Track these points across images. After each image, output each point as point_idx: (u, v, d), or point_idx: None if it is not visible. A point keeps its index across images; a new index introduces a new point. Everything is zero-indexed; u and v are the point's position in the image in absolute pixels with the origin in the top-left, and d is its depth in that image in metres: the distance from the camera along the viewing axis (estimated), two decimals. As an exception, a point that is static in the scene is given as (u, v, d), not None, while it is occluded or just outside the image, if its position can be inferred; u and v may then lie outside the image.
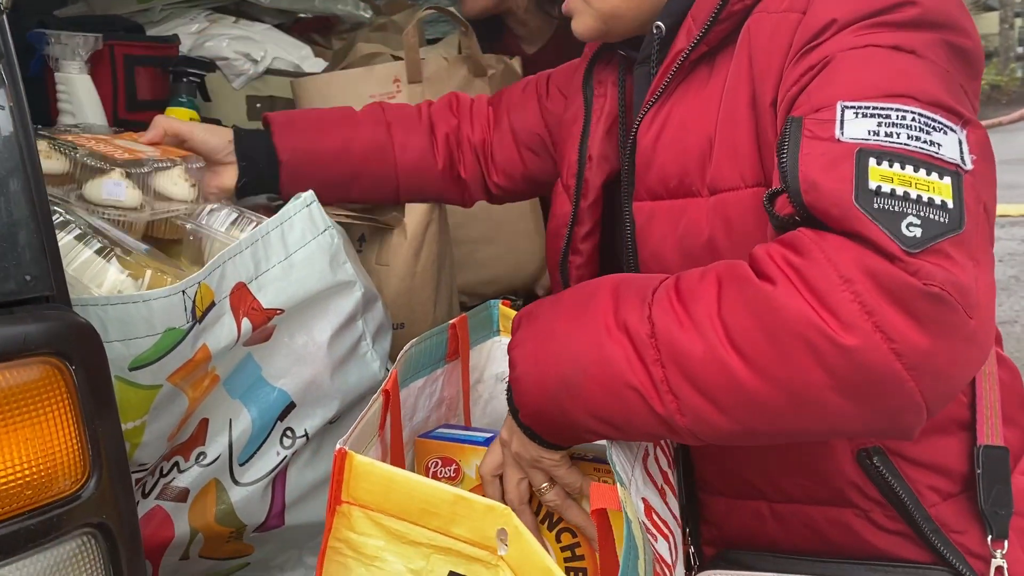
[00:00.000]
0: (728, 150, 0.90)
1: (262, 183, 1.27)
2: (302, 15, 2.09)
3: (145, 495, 1.08)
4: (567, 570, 0.92)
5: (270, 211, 1.21)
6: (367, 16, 2.16)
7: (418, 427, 1.06)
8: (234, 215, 1.19)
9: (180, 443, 1.08)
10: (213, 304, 1.02)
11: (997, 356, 0.97)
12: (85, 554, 0.72)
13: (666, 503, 0.89)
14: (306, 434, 1.17)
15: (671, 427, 0.76)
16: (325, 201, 1.30)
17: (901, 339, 0.67)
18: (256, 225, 1.16)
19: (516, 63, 1.83)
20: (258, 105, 1.85)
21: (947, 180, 0.72)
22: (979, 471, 0.91)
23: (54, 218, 0.87)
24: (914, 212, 0.70)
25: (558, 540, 0.93)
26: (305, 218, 1.14)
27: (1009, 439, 0.94)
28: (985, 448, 0.92)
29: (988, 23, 14.57)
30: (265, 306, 1.08)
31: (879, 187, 0.71)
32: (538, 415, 0.84)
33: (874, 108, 0.75)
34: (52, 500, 0.69)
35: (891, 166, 0.72)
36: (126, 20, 1.69)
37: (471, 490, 0.89)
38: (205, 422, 1.10)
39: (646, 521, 0.81)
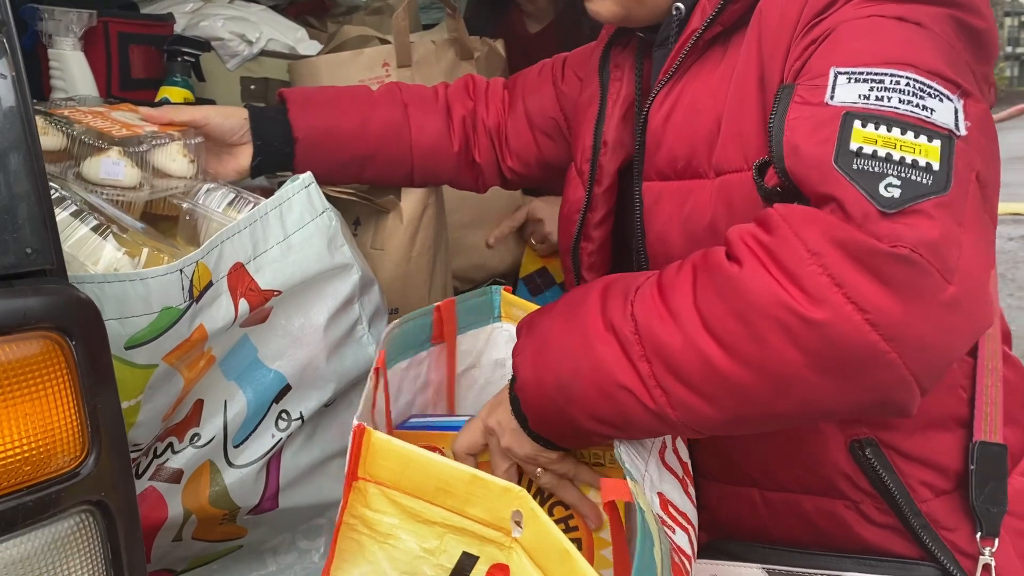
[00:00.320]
0: (734, 131, 0.89)
1: (277, 161, 1.25)
2: (296, -3, 2.07)
3: (139, 476, 1.07)
4: None
5: (267, 192, 1.20)
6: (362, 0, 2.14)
7: (403, 410, 1.06)
8: (231, 196, 1.17)
9: (174, 424, 1.07)
10: (211, 284, 1.01)
11: (1004, 355, 0.96)
12: (83, 532, 0.71)
13: (687, 494, 0.88)
14: (301, 417, 1.16)
15: (666, 422, 0.77)
16: (339, 181, 1.30)
17: (873, 308, 0.66)
18: (253, 206, 1.15)
19: (499, 45, 1.81)
20: (252, 87, 1.83)
21: (936, 143, 0.71)
22: (973, 467, 0.90)
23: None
24: (895, 173, 0.69)
25: (550, 514, 0.93)
26: (304, 199, 1.13)
27: (1009, 438, 0.92)
28: (981, 444, 0.91)
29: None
30: (262, 287, 1.07)
31: (860, 148, 0.71)
32: (544, 422, 0.85)
33: (868, 73, 0.75)
34: (50, 477, 0.68)
35: (876, 128, 0.72)
36: (121, -3, 1.67)
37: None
38: (200, 403, 1.09)
39: (662, 514, 0.81)
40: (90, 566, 0.72)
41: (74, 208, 0.97)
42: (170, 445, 1.08)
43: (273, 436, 1.14)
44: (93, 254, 0.96)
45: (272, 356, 1.13)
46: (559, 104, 1.27)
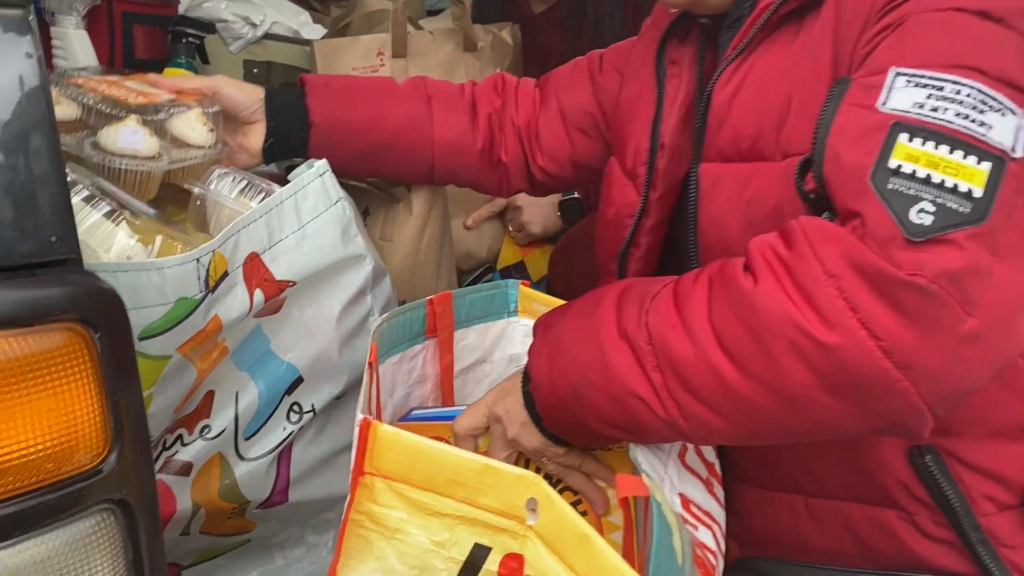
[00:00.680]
0: (805, 111, 0.83)
1: (290, 146, 1.19)
2: (301, -21, 2.03)
3: (147, 468, 1.04)
4: None
5: (277, 179, 1.17)
6: (367, -17, 2.10)
7: (400, 404, 1.03)
8: (243, 182, 1.14)
9: (185, 415, 1.05)
10: (226, 274, 0.98)
11: None
12: (103, 531, 0.69)
13: (713, 494, 0.87)
14: (313, 409, 1.13)
15: (679, 432, 0.76)
16: (356, 174, 1.26)
17: (887, 336, 0.64)
18: (265, 194, 1.12)
19: (507, 34, 1.78)
20: (255, 70, 1.80)
21: (985, 165, 0.68)
22: None
23: (65, 178, 0.83)
24: (930, 197, 0.67)
25: None
26: (318, 188, 1.11)
27: None
28: None
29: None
30: (278, 277, 1.05)
31: (899, 166, 0.68)
32: (559, 423, 0.84)
33: (929, 78, 0.71)
34: (73, 474, 0.66)
35: (923, 144, 0.68)
36: (123, -24, 1.63)
37: None
38: (211, 394, 1.06)
39: (683, 513, 0.79)
40: (111, 566, 0.69)
41: (86, 193, 0.94)
42: (179, 437, 1.05)
43: (284, 429, 1.11)
44: (105, 241, 0.93)
45: (285, 347, 1.11)
46: (596, 99, 1.21)
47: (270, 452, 1.10)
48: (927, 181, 0.67)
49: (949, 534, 0.86)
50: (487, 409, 0.89)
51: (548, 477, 0.91)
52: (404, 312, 0.99)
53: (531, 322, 1.13)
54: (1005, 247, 0.67)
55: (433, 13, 1.96)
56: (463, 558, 0.72)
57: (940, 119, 0.69)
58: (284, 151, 1.20)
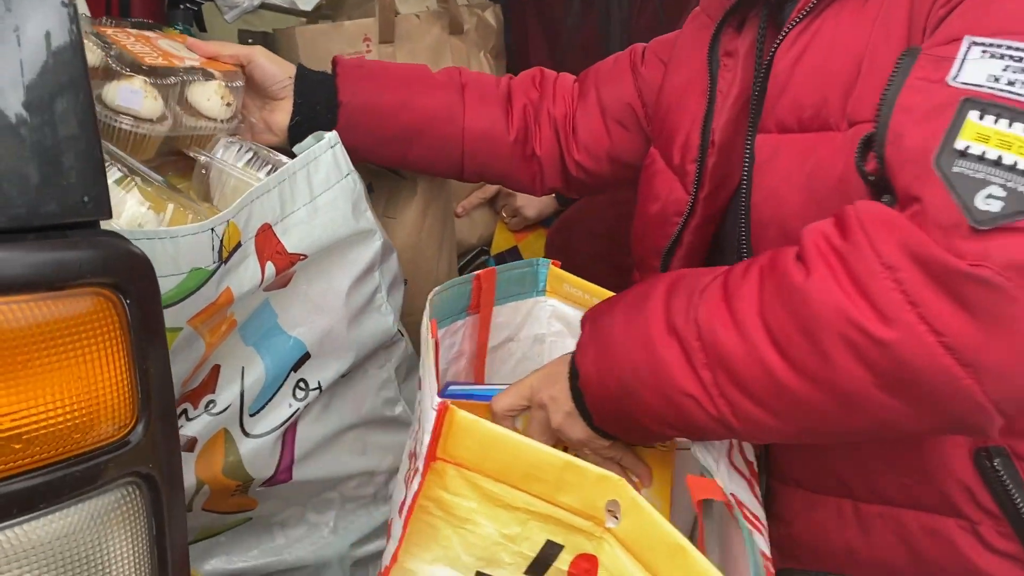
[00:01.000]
0: (876, 74, 0.77)
1: (317, 126, 1.14)
2: (297, -50, 1.98)
3: (150, 443, 1.01)
4: None
5: (282, 151, 1.14)
6: (364, -44, 2.06)
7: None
8: (249, 153, 1.11)
9: (190, 390, 1.02)
10: (239, 245, 0.96)
11: None
12: (127, 506, 0.66)
13: (755, 495, 0.85)
14: (319, 386, 1.11)
15: (731, 430, 0.73)
16: (382, 160, 1.23)
17: (950, 331, 0.61)
18: (272, 166, 1.09)
19: (490, 15, 1.75)
20: (250, 40, 1.74)
21: None
22: None
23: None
24: (1000, 181, 0.62)
25: None
26: (330, 160, 1.08)
27: None
28: None
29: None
30: (289, 250, 1.02)
31: (967, 147, 0.63)
32: (608, 420, 0.82)
33: (1008, 47, 0.65)
34: (99, 445, 0.63)
35: (996, 122, 0.63)
36: (119, -62, 1.58)
37: None
38: (217, 369, 1.04)
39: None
40: (133, 542, 0.67)
41: (96, 157, 0.90)
42: (184, 412, 1.02)
43: (290, 406, 1.09)
44: (115, 207, 0.89)
45: (292, 322, 1.08)
46: (638, 91, 1.16)
47: (276, 429, 1.07)
48: (997, 163, 0.62)
49: (1016, 547, 0.80)
50: (530, 392, 0.87)
51: None
52: (453, 286, 0.97)
53: (558, 303, 1.11)
54: None
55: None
56: (533, 554, 0.70)
57: (1016, 94, 0.64)
58: (310, 131, 1.14)
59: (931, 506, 0.82)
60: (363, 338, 1.15)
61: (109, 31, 1.02)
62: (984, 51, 0.67)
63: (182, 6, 1.48)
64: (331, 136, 1.09)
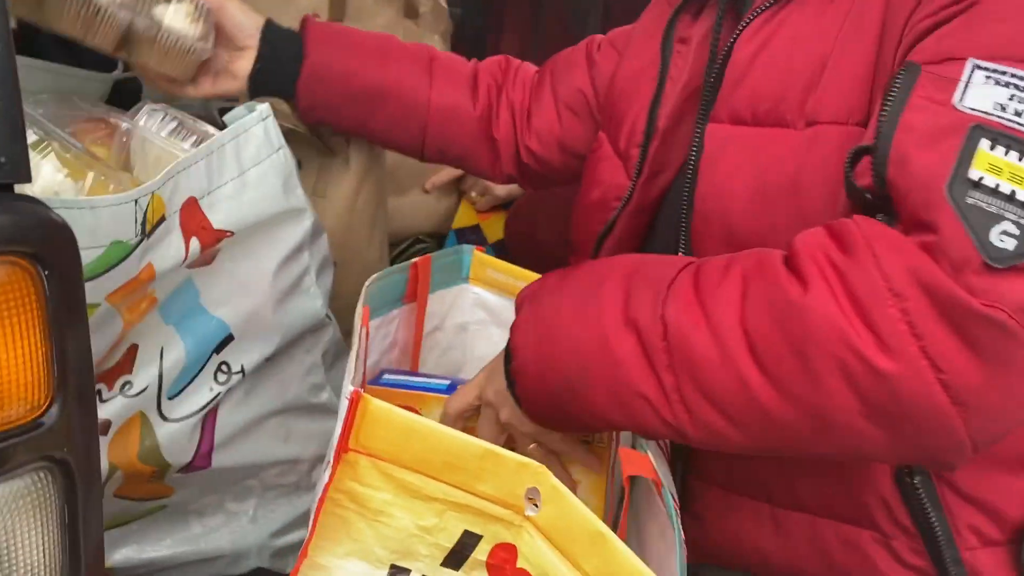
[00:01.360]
0: (842, 75, 0.76)
1: (278, 79, 1.12)
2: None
3: (59, 426, 0.95)
4: None
5: (210, 122, 1.09)
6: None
7: (370, 370, 0.99)
8: (174, 123, 1.06)
9: (105, 370, 0.96)
10: (163, 219, 0.91)
11: None
12: (38, 492, 0.61)
13: (672, 481, 0.84)
14: (242, 370, 1.07)
15: (682, 436, 0.70)
16: (341, 123, 1.18)
17: (951, 369, 0.59)
18: (198, 137, 1.05)
19: None
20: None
21: None
22: None
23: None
24: (1014, 217, 0.60)
25: None
26: (260, 133, 1.04)
27: None
28: None
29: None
30: (215, 226, 0.97)
31: (981, 178, 0.60)
32: (541, 412, 0.78)
33: (1012, 75, 0.63)
34: (9, 427, 0.58)
35: (1007, 153, 0.61)
36: None
37: None
38: (134, 348, 0.98)
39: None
40: (43, 531, 0.62)
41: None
42: (98, 393, 0.97)
43: (211, 389, 1.04)
44: (29, 173, 0.84)
45: (216, 302, 1.04)
46: (591, 79, 1.15)
47: (195, 414, 1.03)
48: (1011, 198, 0.60)
49: (926, 564, 0.79)
50: (478, 391, 0.84)
51: None
52: (391, 274, 0.93)
53: (481, 290, 1.09)
54: None
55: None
56: (450, 545, 0.67)
57: None
58: (271, 82, 1.12)
59: (848, 517, 0.81)
60: (290, 321, 1.11)
61: None
62: (988, 76, 0.64)
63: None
64: (263, 108, 1.04)
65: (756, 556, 0.86)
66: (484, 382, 0.84)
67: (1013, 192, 0.60)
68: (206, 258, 1.00)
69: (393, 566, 0.70)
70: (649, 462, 0.69)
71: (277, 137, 1.05)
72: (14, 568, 0.61)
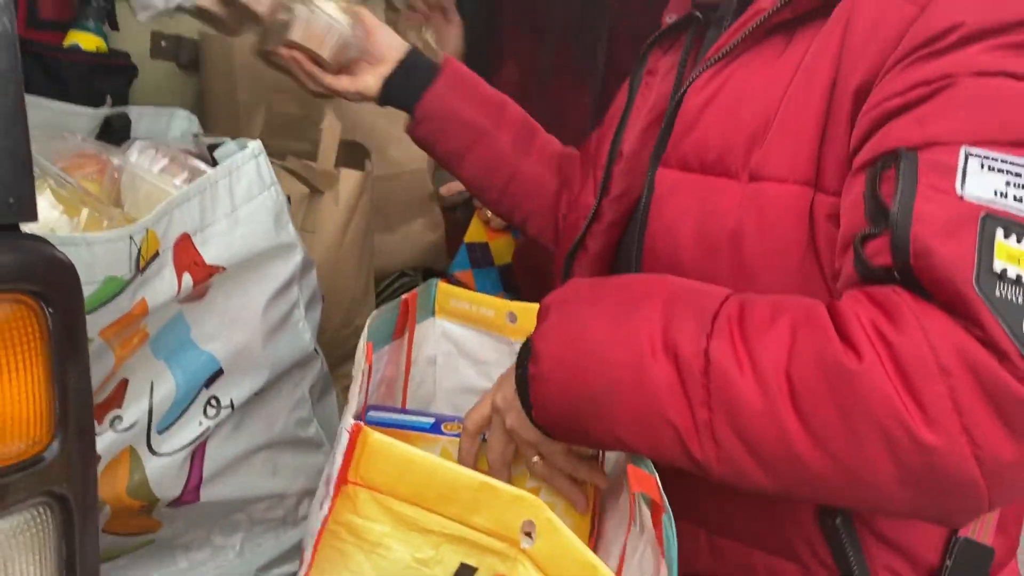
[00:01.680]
0: (787, 135, 0.78)
1: (404, 95, 1.19)
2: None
3: (49, 461, 0.95)
4: None
5: (199, 158, 1.10)
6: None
7: (358, 409, 0.99)
8: (165, 159, 1.08)
9: (95, 404, 0.96)
10: (157, 255, 0.92)
11: None
12: (36, 527, 0.62)
13: None
14: (232, 404, 1.07)
15: (703, 470, 0.70)
16: (436, 152, 1.23)
17: (988, 446, 0.60)
18: (190, 173, 1.06)
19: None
20: (163, 43, 1.69)
21: None
22: (949, 563, 0.81)
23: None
24: None
25: None
26: (253, 170, 1.05)
27: (996, 545, 0.83)
28: (966, 541, 0.81)
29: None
30: (208, 261, 0.98)
31: (1005, 270, 0.62)
32: (554, 421, 0.77)
33: (1003, 161, 0.65)
34: (11, 462, 0.59)
35: (1019, 240, 0.63)
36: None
37: None
38: (124, 383, 0.99)
39: None
40: (40, 566, 0.63)
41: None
42: (87, 428, 0.97)
43: (201, 424, 1.04)
44: (25, 209, 0.85)
45: (206, 337, 1.04)
46: None
47: (184, 448, 1.03)
48: None
49: None
50: (490, 399, 0.83)
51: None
52: (387, 311, 0.94)
53: (446, 322, 1.09)
54: None
55: None
56: None
57: None
58: (398, 97, 1.19)
59: (775, 549, 0.83)
60: (279, 355, 1.12)
61: None
62: (982, 163, 0.65)
63: (93, 3, 1.42)
64: (254, 145, 1.06)
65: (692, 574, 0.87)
66: (495, 388, 0.83)
67: None
68: (198, 293, 1.01)
69: None
70: (655, 482, 0.70)
71: (269, 174, 1.07)
72: (11, 604, 0.61)
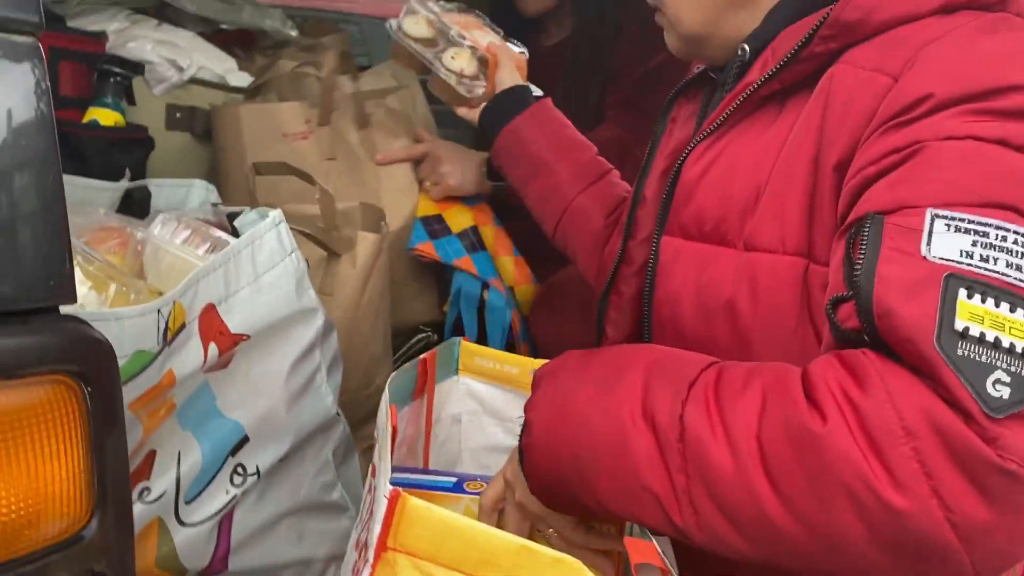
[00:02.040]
0: (775, 207, 0.81)
1: (494, 125, 1.35)
2: (224, 27, 1.98)
3: (78, 535, 0.95)
4: None
5: (218, 226, 1.12)
6: (293, 35, 2.07)
7: None
8: (187, 231, 1.10)
9: (124, 477, 0.97)
10: (183, 326, 0.93)
11: None
12: (76, 606, 0.62)
13: None
14: (257, 471, 1.08)
15: (686, 536, 0.70)
16: (510, 177, 1.37)
17: (959, 510, 0.59)
18: (212, 243, 1.08)
19: (394, 100, 1.76)
20: (178, 115, 1.73)
21: None
22: None
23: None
24: (1004, 366, 0.60)
25: None
26: (274, 239, 1.07)
27: None
28: None
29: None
30: (232, 330, 1.00)
31: (966, 329, 0.61)
32: (547, 491, 0.79)
33: (969, 222, 0.65)
34: (52, 542, 0.59)
35: (983, 300, 0.62)
36: (46, 8, 1.54)
37: None
38: (152, 455, 0.99)
39: None
40: (80, 646, 0.63)
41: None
42: (116, 501, 0.97)
43: (228, 492, 1.05)
44: (54, 287, 0.87)
45: (231, 405, 1.05)
46: None
47: (212, 517, 1.03)
48: (997, 346, 0.61)
49: None
50: (502, 475, 0.84)
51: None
52: (406, 372, 0.95)
53: (470, 380, 1.10)
54: None
55: (365, 68, 1.94)
56: None
57: (993, 272, 0.63)
58: (492, 124, 1.36)
59: None
60: (302, 420, 1.12)
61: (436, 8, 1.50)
62: (948, 225, 0.65)
63: (112, 79, 1.45)
64: (275, 215, 1.08)
65: None
66: (506, 464, 0.84)
67: (997, 339, 0.61)
68: (223, 362, 1.02)
69: None
70: (655, 550, 0.70)
71: (289, 241, 1.09)
72: None
